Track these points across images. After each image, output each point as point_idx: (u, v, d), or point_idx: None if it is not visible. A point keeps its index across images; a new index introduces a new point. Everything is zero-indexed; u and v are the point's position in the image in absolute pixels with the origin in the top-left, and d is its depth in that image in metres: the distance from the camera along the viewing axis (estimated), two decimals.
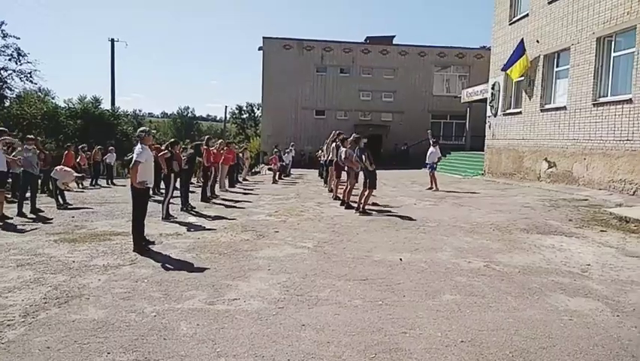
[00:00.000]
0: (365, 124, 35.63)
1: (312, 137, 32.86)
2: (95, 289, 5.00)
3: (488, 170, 20.53)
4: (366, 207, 10.54)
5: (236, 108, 78.10)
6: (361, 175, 11.11)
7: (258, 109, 76.97)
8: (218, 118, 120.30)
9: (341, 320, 4.19)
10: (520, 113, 18.13)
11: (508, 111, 19.32)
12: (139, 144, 7.10)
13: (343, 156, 11.18)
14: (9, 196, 11.74)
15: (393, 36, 38.32)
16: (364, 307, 4.50)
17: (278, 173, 20.69)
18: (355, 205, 10.72)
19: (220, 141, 15.71)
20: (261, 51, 35.73)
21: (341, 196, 12.15)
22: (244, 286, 5.16)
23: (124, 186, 17.46)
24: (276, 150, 21.71)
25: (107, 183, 18.23)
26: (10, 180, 11.33)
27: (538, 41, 16.78)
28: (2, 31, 19.08)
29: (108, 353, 3.47)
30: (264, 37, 35.78)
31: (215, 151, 13.64)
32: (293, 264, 6.09)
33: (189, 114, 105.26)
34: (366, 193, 10.51)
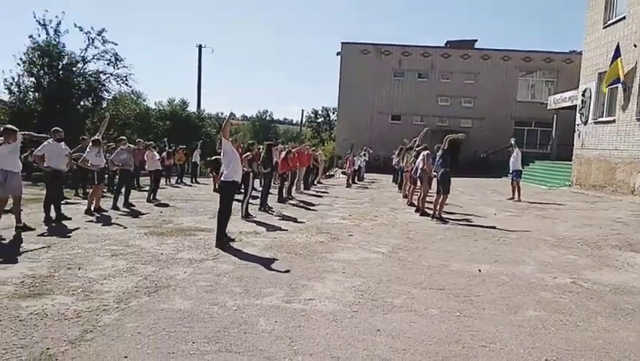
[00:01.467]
0: (442, 130, 34.73)
1: (387, 141, 32.56)
2: (181, 281, 5.29)
3: (576, 181, 19.29)
4: (443, 215, 10.30)
5: (312, 112, 79.21)
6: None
7: (334, 113, 77.63)
8: (294, 122, 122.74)
9: (417, 328, 4.13)
10: (613, 121, 16.88)
11: (600, 120, 18.06)
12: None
13: (420, 165, 10.99)
14: (105, 191, 12.70)
15: (475, 40, 37.05)
16: (441, 317, 4.40)
17: (351, 177, 20.74)
18: (430, 212, 10.51)
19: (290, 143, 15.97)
20: (339, 56, 36.02)
21: (416, 203, 11.97)
22: (319, 287, 5.24)
23: (206, 184, 18.34)
24: (349, 151, 21.72)
25: (191, 182, 19.22)
26: (106, 175, 12.24)
27: (635, 45, 15.55)
28: (103, 37, 20.74)
29: (193, 343, 3.66)
30: (342, 43, 36.07)
31: (293, 154, 13.94)
32: (367, 268, 6.08)
33: (267, 117, 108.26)
34: (440, 199, 10.29)
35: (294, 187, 14.86)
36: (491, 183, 21.94)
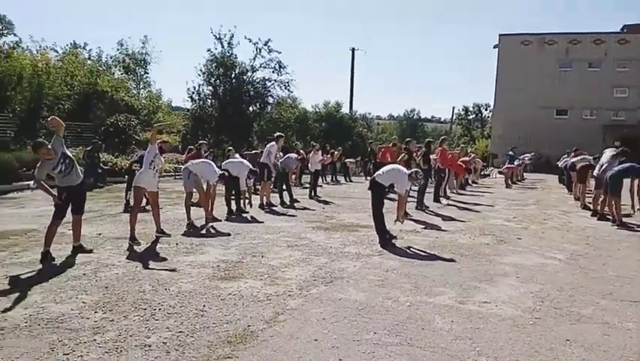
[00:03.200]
0: (617, 125, 30.80)
1: (550, 139, 29.96)
2: (353, 274, 5.55)
3: None
4: (625, 220, 9.17)
5: (463, 109, 76.12)
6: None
7: (486, 109, 73.64)
8: (442, 119, 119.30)
9: (612, 341, 3.76)
10: None
11: None
12: None
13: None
14: (271, 187, 13.79)
15: None
16: None
17: (511, 177, 19.50)
18: (610, 217, 9.42)
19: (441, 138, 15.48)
20: (496, 49, 34.10)
21: (591, 206, 10.82)
22: (493, 290, 5.06)
23: (360, 183, 18.85)
24: (510, 152, 20.49)
25: (345, 180, 19.93)
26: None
27: None
28: (268, 47, 22.64)
29: (375, 333, 3.83)
30: (500, 35, 34.15)
31: (451, 155, 13.63)
32: (544, 275, 5.69)
33: (414, 116, 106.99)
34: (613, 202, 9.17)
35: (447, 186, 14.48)
36: None
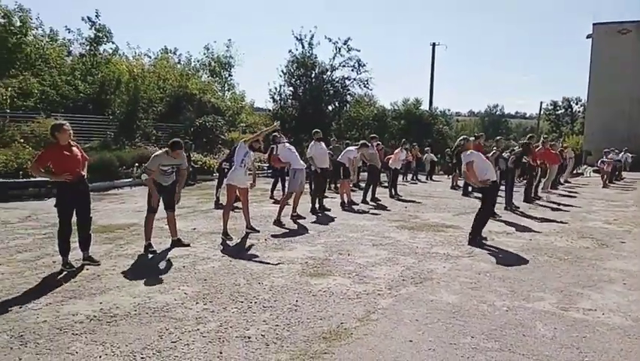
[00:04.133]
0: None
1: None
2: (443, 275, 5.42)
3: None
4: None
5: (550, 104, 71.65)
6: None
7: (577, 104, 68.84)
8: (527, 115, 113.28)
9: None
10: None
11: None
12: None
13: None
14: (351, 186, 13.81)
15: None
16: None
17: (608, 176, 18.08)
18: None
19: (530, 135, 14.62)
20: (590, 39, 31.73)
21: None
22: (598, 297, 4.72)
23: (441, 182, 18.39)
24: (606, 150, 19.01)
25: (426, 179, 19.53)
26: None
27: None
28: (348, 46, 22.68)
29: (472, 337, 3.71)
30: (593, 24, 31.72)
31: (545, 150, 12.90)
32: None
33: (497, 112, 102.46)
34: None
35: (541, 185, 13.69)
36: None
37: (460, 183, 14.74)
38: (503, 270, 5.67)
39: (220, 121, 23.00)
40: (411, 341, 3.63)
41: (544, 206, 11.51)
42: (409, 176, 19.27)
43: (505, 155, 11.60)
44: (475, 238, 6.98)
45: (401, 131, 24.91)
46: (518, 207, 10.75)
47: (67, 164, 5.25)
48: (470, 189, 12.40)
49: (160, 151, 6.48)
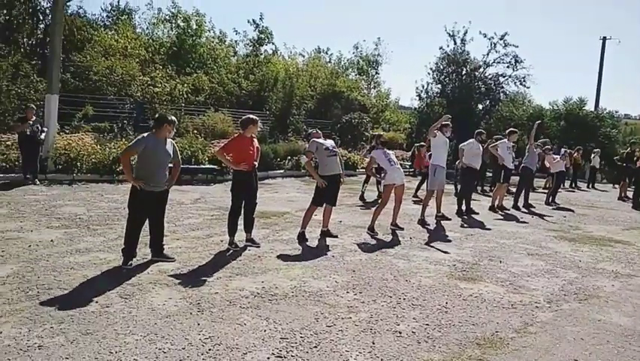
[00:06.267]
0: None
1: None
2: (611, 294, 4.89)
3: None
4: None
5: None
6: None
7: None
8: None
9: None
10: None
11: None
12: None
13: None
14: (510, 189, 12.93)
15: None
16: None
17: None
18: None
19: None
20: None
21: None
22: None
23: (606, 191, 16.46)
24: None
25: (588, 187, 17.63)
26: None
27: None
28: (504, 41, 21.30)
29: None
30: None
31: None
32: None
33: None
34: None
35: None
36: None
37: (630, 193, 13.05)
38: None
39: (365, 118, 23.35)
40: (576, 360, 3.35)
41: None
42: (567, 183, 17.54)
43: None
44: None
45: (560, 133, 22.77)
46: None
47: (246, 155, 5.84)
48: None
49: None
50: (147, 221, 5.18)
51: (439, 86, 23.13)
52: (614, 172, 19.25)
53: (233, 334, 3.53)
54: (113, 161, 11.21)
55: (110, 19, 26.02)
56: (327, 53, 31.88)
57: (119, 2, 26.58)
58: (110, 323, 3.61)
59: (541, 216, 9.96)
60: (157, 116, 5.51)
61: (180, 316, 3.81)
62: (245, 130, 5.93)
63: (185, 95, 19.15)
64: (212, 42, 25.49)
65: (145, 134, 5.17)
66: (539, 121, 12.83)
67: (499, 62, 22.33)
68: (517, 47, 21.87)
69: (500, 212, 10.09)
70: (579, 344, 3.63)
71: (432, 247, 6.65)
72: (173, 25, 24.45)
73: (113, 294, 4.20)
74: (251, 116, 6.20)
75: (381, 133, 7.94)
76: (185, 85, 19.54)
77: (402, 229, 7.63)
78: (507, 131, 10.93)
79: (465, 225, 8.44)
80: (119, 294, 4.21)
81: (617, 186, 16.23)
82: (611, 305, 4.55)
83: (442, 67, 22.71)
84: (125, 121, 16.01)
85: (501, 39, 21.67)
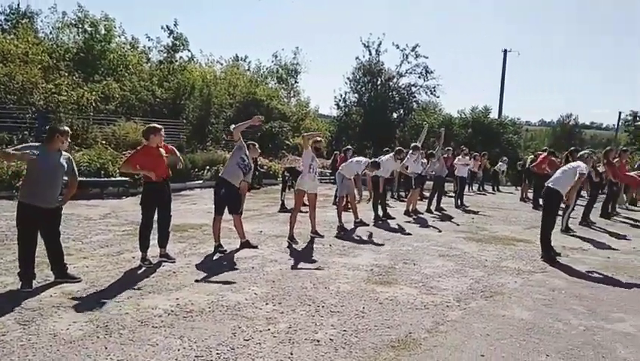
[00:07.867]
0: None
1: None
2: (514, 291, 5.24)
3: None
4: None
5: (630, 114, 66.95)
6: None
7: None
8: (604, 126, 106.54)
9: None
10: None
11: None
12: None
13: None
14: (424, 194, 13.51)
15: None
16: None
17: None
18: None
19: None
20: None
21: None
22: None
23: (511, 193, 17.73)
24: None
25: (493, 190, 18.89)
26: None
27: None
28: (416, 52, 22.44)
29: (547, 355, 3.57)
30: None
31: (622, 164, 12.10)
32: None
33: (571, 122, 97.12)
34: None
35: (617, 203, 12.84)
36: None
37: (530, 195, 14.17)
38: (579, 288, 5.41)
39: (285, 127, 23.45)
40: (482, 355, 3.55)
41: (623, 222, 10.83)
42: (475, 186, 18.71)
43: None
44: (549, 252, 6.70)
45: (467, 140, 24.30)
46: (595, 223, 10.19)
47: (153, 166, 5.58)
48: (542, 201, 11.87)
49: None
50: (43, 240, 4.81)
51: (356, 95, 23.85)
52: (516, 175, 20.83)
53: (144, 356, 3.36)
54: (12, 175, 10.34)
55: (8, 23, 24.05)
56: (245, 60, 31.69)
57: (19, 5, 24.70)
58: (6, 353, 3.30)
59: (451, 218, 10.53)
60: (48, 127, 5.09)
61: (86, 340, 3.56)
62: (148, 140, 5.68)
63: (93, 104, 18.09)
64: (123, 48, 24.31)
65: (35, 144, 4.83)
66: (443, 128, 13.68)
67: (411, 73, 23.53)
68: (428, 57, 23.19)
69: (414, 216, 10.55)
70: (485, 339, 3.86)
71: (351, 253, 6.78)
72: (80, 29, 23.00)
73: (10, 321, 3.85)
74: (153, 125, 5.97)
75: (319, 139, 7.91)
76: (94, 93, 18.47)
77: (322, 236, 7.71)
78: (411, 146, 11.48)
79: (382, 230, 8.70)
80: (16, 320, 3.86)
81: (518, 188, 17.54)
82: (514, 301, 4.88)
83: (358, 77, 23.46)
84: (26, 132, 14.83)
85: (412, 50, 22.82)
